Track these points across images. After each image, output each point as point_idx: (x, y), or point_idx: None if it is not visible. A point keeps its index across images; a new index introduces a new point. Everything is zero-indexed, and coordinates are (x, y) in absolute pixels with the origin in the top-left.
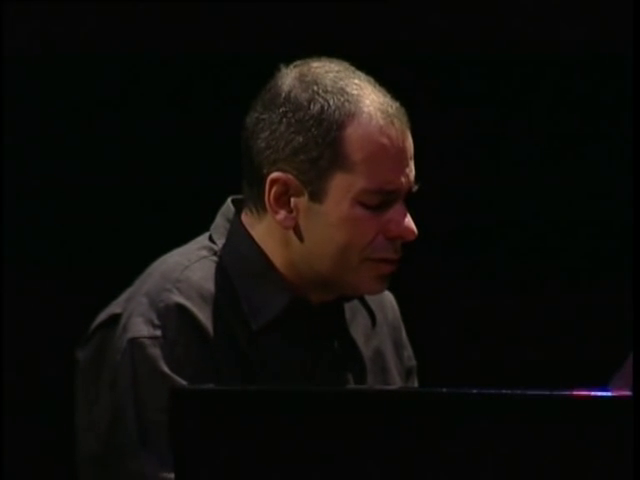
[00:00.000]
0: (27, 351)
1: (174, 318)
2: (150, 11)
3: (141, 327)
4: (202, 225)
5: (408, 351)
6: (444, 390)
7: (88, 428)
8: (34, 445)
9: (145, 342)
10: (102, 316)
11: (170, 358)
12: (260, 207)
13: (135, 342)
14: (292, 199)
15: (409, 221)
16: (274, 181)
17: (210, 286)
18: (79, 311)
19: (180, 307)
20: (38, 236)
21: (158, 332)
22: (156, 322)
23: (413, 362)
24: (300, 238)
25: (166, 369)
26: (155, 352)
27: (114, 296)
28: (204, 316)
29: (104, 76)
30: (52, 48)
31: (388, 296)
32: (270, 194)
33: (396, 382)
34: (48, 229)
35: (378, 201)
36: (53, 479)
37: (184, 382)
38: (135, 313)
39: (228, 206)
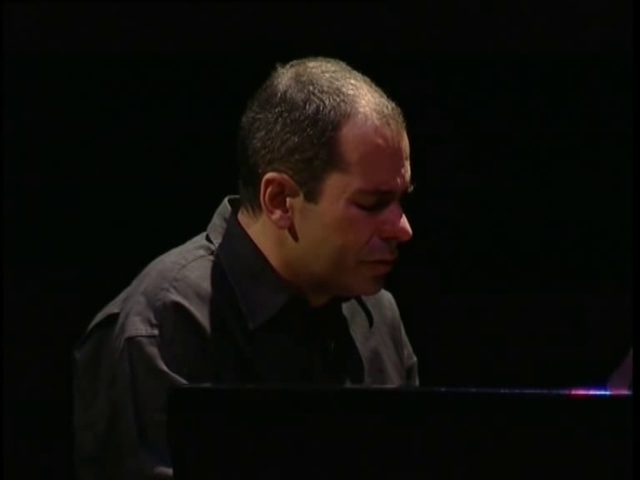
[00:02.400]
0: (26, 351)
1: (171, 317)
2: (149, 11)
3: (138, 326)
4: (199, 225)
5: (408, 349)
6: (442, 389)
7: (86, 428)
8: (34, 445)
9: (143, 341)
10: (99, 316)
11: (168, 356)
12: (256, 206)
13: (133, 341)
14: (287, 199)
15: (404, 222)
16: (269, 181)
17: (207, 285)
18: (78, 311)
19: (177, 306)
20: (37, 235)
21: (155, 331)
22: (153, 321)
23: (413, 359)
24: (295, 238)
25: (164, 367)
26: (153, 351)
27: (112, 296)
28: (201, 315)
29: (104, 76)
30: (52, 48)
31: (387, 295)
32: (265, 194)
33: (393, 383)
34: (48, 229)
35: (373, 202)
36: (53, 479)
37: (182, 380)
38: (132, 312)
39: (225, 205)
